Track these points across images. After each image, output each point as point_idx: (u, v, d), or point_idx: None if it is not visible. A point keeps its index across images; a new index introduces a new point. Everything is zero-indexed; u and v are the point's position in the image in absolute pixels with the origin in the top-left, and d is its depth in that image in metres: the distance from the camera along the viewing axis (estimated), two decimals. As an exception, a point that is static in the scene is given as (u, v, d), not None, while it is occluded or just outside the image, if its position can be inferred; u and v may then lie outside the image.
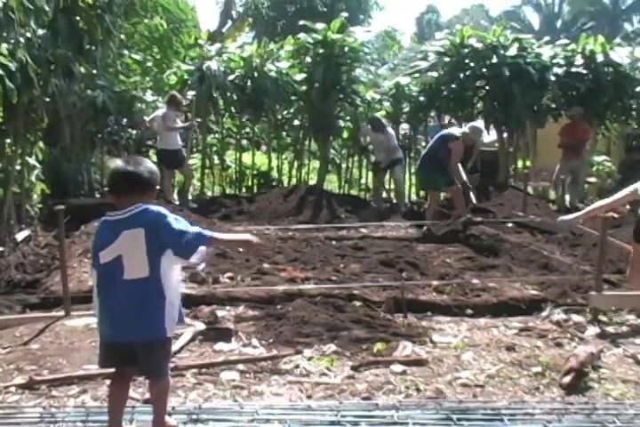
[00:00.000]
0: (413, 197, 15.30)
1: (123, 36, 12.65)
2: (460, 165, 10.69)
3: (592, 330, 5.86)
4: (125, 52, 14.99)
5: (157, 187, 3.57)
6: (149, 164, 3.53)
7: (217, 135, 15.66)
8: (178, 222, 3.41)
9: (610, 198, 6.60)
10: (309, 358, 4.89)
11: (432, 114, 15.73)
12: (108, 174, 3.51)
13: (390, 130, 14.07)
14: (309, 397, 4.25)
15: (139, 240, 3.33)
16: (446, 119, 15.85)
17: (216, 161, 15.41)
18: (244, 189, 14.94)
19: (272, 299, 6.44)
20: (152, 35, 17.69)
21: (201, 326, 5.50)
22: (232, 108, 14.63)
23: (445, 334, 5.68)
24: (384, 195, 14.70)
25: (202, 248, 3.44)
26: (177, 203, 12.28)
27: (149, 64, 16.93)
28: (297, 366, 4.75)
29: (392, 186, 14.61)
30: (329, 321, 5.62)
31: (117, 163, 3.52)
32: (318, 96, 13.93)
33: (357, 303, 6.33)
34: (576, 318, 6.15)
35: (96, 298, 3.46)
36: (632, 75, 15.16)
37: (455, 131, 11.00)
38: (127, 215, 3.38)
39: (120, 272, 3.35)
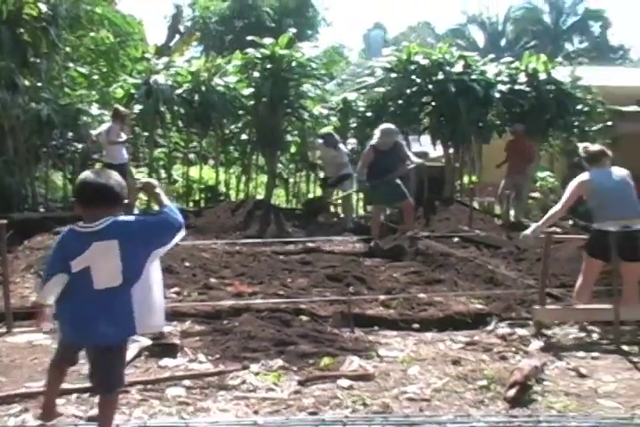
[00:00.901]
0: (361, 211, 15.37)
1: (68, 49, 12.56)
2: (359, 170, 10.70)
3: (536, 343, 5.93)
4: (71, 64, 14.85)
5: (126, 201, 3.59)
6: (119, 177, 3.60)
7: (164, 149, 15.55)
8: (148, 217, 3.57)
9: (559, 203, 6.64)
10: (256, 374, 4.86)
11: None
12: (77, 185, 3.54)
13: (342, 146, 14.13)
14: (256, 412, 4.22)
15: (112, 251, 3.41)
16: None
17: (163, 175, 15.29)
18: (191, 204, 14.85)
19: (219, 314, 6.39)
20: (98, 48, 17.54)
21: (147, 341, 5.42)
22: (179, 123, 14.58)
23: (392, 349, 5.70)
24: (332, 209, 14.75)
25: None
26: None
27: (95, 77, 16.76)
28: (244, 382, 4.71)
29: (340, 201, 14.67)
30: (276, 336, 5.59)
31: (88, 175, 3.56)
32: (266, 111, 13.94)
33: (304, 318, 6.32)
34: (520, 331, 6.22)
35: (61, 303, 3.48)
36: (573, 93, 15.53)
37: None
38: (99, 228, 3.44)
39: (89, 282, 3.43)
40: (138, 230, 3.47)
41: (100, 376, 3.59)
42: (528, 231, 6.67)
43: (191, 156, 15.97)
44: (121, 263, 3.42)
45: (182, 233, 3.60)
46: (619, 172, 6.54)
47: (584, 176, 6.54)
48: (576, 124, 15.99)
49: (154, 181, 3.80)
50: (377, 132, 10.71)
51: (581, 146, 6.94)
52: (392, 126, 10.85)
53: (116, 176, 3.57)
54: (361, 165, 10.73)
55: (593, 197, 6.49)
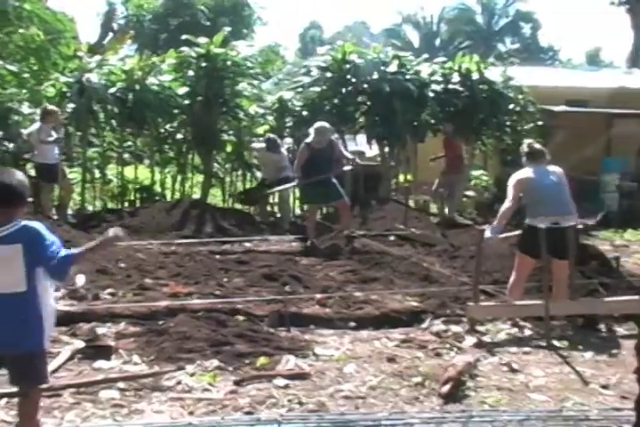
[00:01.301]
0: (297, 211, 15.37)
1: (-4, 46, 12.23)
2: (298, 168, 10.77)
3: (470, 340, 6.03)
4: (0, 62, 14.49)
5: (28, 200, 3.50)
6: (21, 176, 3.49)
7: (98, 149, 15.30)
8: (52, 244, 3.39)
9: (507, 200, 6.68)
10: (192, 374, 4.83)
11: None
12: None
13: (284, 150, 14.10)
14: (191, 413, 4.20)
15: (16, 255, 3.32)
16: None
17: (97, 175, 15.04)
18: (126, 204, 14.62)
19: (154, 315, 6.33)
20: (28, 45, 17.13)
21: (80, 343, 5.35)
22: (113, 122, 14.34)
23: (328, 347, 5.73)
24: (269, 209, 14.72)
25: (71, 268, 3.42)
26: (55, 218, 11.91)
27: (26, 75, 16.36)
28: (179, 383, 4.68)
29: (277, 200, 14.66)
30: (212, 336, 5.56)
31: None
32: (201, 110, 13.82)
33: (240, 318, 6.30)
34: (455, 328, 6.32)
35: None
36: (505, 93, 15.80)
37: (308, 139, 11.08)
38: (6, 233, 3.35)
39: None
40: (38, 242, 3.36)
41: (26, 379, 3.49)
42: (488, 234, 6.67)
43: (126, 155, 15.70)
44: (25, 268, 3.34)
45: (53, 282, 3.49)
46: (554, 169, 6.69)
47: (523, 172, 6.71)
48: (508, 123, 16.28)
49: (120, 234, 3.55)
50: (312, 131, 10.77)
51: (525, 142, 7.07)
52: (326, 125, 10.91)
53: (18, 176, 3.47)
54: (297, 163, 10.78)
55: (528, 194, 6.63)
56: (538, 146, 6.90)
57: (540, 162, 6.73)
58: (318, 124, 10.95)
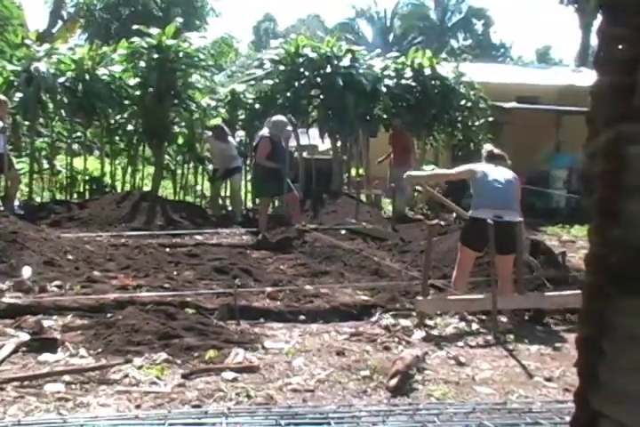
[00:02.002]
0: (249, 204, 15.34)
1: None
2: (265, 160, 10.83)
3: (418, 334, 6.07)
4: (-56, 49, 14.20)
5: None
6: None
7: (46, 139, 15.08)
8: None
9: (449, 170, 7.05)
10: (139, 367, 4.79)
11: (273, 118, 15.82)
12: None
13: (232, 139, 14.07)
14: (138, 406, 4.16)
15: None
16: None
17: (45, 166, 14.83)
18: (75, 195, 14.46)
19: (102, 307, 6.26)
20: (-26, 32, 16.83)
21: (25, 336, 5.27)
22: (62, 112, 14.14)
23: (277, 341, 5.73)
24: (220, 202, 14.68)
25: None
26: (1, 209, 11.71)
27: (-29, 63, 16.06)
28: (126, 376, 4.64)
29: (229, 193, 14.63)
30: (160, 329, 5.52)
31: None
32: (152, 101, 13.70)
33: (190, 311, 6.26)
34: (404, 322, 6.35)
35: None
36: (457, 88, 15.97)
37: (265, 131, 11.11)
38: None
39: None
40: None
41: None
42: (412, 173, 6.94)
43: (75, 146, 15.54)
44: None
45: None
46: (507, 172, 6.80)
47: (477, 164, 6.88)
48: (460, 118, 16.46)
49: None
50: (270, 124, 10.78)
51: (486, 146, 7.25)
52: (284, 119, 10.95)
53: None
54: (260, 155, 10.79)
55: (475, 184, 6.74)
56: (498, 151, 7.04)
57: (497, 163, 6.87)
58: (277, 117, 11.01)
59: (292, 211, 11.33)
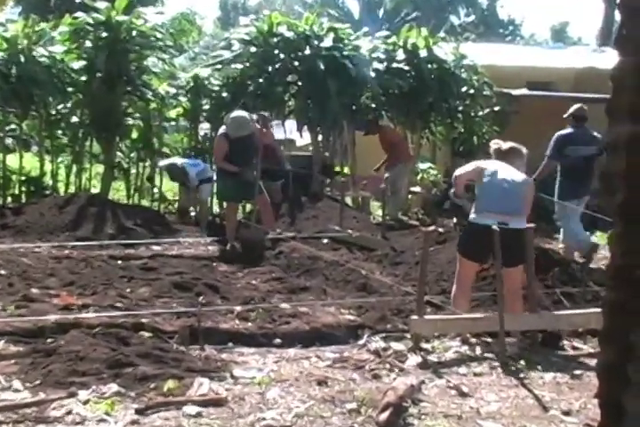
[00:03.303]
0: (216, 208, 15.30)
1: None
2: (223, 162, 10.84)
3: (413, 359, 6.08)
4: None
5: None
6: None
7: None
8: None
9: (456, 173, 7.10)
10: (85, 402, 4.77)
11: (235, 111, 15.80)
12: None
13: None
14: (84, 449, 4.14)
15: None
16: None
17: (-26, 163, 14.75)
18: (9, 199, 14.37)
19: (41, 331, 6.23)
20: None
21: (-51, 366, 5.23)
22: (-8, 100, 14.06)
23: (249, 368, 5.72)
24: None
25: None
26: None
27: None
28: (69, 413, 4.61)
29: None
30: (110, 356, 5.50)
31: None
32: (101, 88, 13.65)
33: (146, 334, 6.24)
34: (396, 346, 6.36)
35: None
36: (457, 73, 15.96)
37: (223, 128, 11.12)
38: None
39: None
40: None
41: None
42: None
43: (9, 141, 15.45)
44: None
45: None
46: (519, 175, 6.80)
47: (485, 161, 6.96)
48: (460, 108, 16.48)
49: None
50: (228, 121, 10.78)
51: (494, 142, 7.27)
52: (245, 115, 10.94)
53: None
54: (219, 158, 10.79)
55: (479, 185, 6.75)
56: (511, 146, 7.05)
57: (508, 161, 6.89)
58: (236, 113, 10.98)
59: (263, 216, 11.33)
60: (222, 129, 10.97)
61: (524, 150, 7.08)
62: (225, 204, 12.43)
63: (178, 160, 13.97)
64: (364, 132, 15.37)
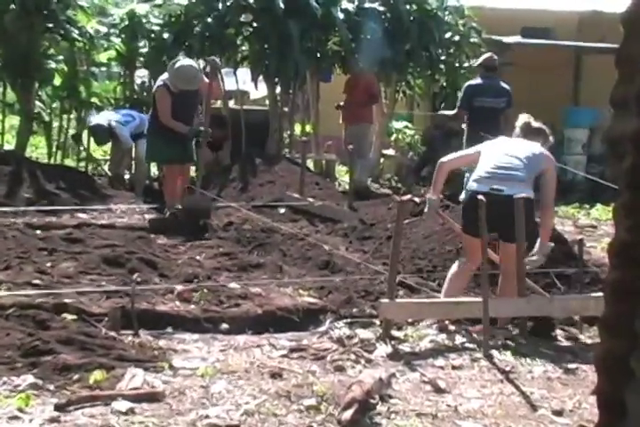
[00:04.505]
0: (154, 171, 15.21)
1: None
2: (172, 120, 10.73)
3: (382, 349, 6.11)
4: None
5: None
6: None
7: None
8: None
9: (456, 154, 7.34)
10: (-5, 396, 4.76)
11: (180, 57, 15.66)
12: None
13: None
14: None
15: None
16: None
17: None
18: None
19: (-57, 312, 6.20)
20: None
21: None
22: None
23: (191, 358, 5.73)
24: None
25: None
26: None
27: None
28: (-25, 409, 4.60)
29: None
30: (26, 342, 5.48)
31: None
32: (15, 25, 13.43)
33: (69, 317, 6.22)
34: (363, 333, 6.39)
35: None
36: (440, 16, 15.90)
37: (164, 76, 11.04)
38: None
39: None
40: None
41: None
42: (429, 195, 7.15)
43: None
44: None
45: None
46: (531, 147, 6.84)
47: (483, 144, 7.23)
48: (443, 57, 16.44)
49: None
50: (173, 71, 10.68)
51: (523, 116, 7.32)
52: (194, 65, 10.89)
53: None
54: (166, 114, 10.66)
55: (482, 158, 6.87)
56: (537, 124, 7.14)
57: (528, 137, 7.05)
58: (183, 63, 10.90)
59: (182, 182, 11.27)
60: (163, 79, 10.86)
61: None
62: (164, 166, 12.31)
63: (103, 118, 13.88)
64: (343, 68, 15.32)
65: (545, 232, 6.81)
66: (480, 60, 12.12)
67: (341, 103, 15.12)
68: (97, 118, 14.11)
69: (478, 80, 11.81)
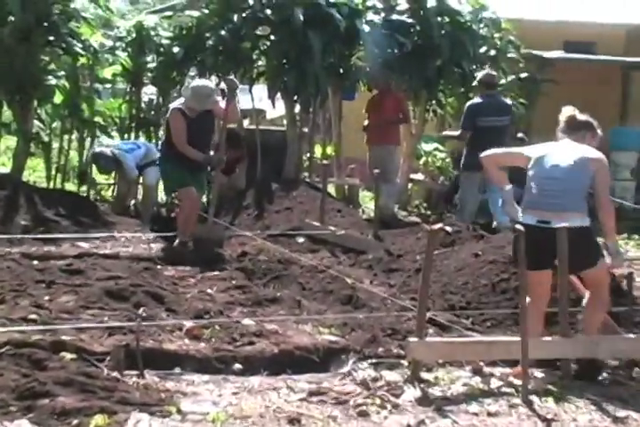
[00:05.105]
0: (162, 196, 15.24)
1: None
2: (187, 146, 10.72)
3: (410, 393, 6.07)
4: None
5: None
6: None
7: None
8: None
9: (497, 150, 7.36)
10: (-13, 443, 4.75)
11: (192, 73, 15.74)
12: None
13: None
14: None
15: None
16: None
17: None
18: None
19: None
20: None
21: None
22: None
23: (201, 401, 5.71)
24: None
25: None
26: None
27: None
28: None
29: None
30: (21, 384, 5.47)
31: None
32: (14, 38, 13.54)
33: (68, 356, 6.21)
34: (389, 375, 6.36)
35: None
36: (475, 29, 15.91)
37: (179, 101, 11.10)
38: None
39: None
40: None
41: None
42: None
43: None
44: None
45: None
46: (581, 152, 6.82)
47: (530, 147, 7.17)
48: (476, 74, 16.45)
49: None
50: (189, 92, 10.73)
51: (567, 109, 7.29)
52: (208, 85, 10.97)
53: None
54: (182, 141, 10.68)
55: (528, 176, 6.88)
56: (584, 117, 7.13)
57: (579, 136, 7.02)
58: (198, 83, 11.00)
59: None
60: (177, 103, 10.90)
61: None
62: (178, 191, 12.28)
63: (105, 147, 14.01)
64: (368, 85, 15.37)
65: (609, 231, 6.76)
66: (479, 77, 12.28)
67: (365, 123, 15.13)
68: (100, 147, 14.25)
69: (479, 99, 11.98)
